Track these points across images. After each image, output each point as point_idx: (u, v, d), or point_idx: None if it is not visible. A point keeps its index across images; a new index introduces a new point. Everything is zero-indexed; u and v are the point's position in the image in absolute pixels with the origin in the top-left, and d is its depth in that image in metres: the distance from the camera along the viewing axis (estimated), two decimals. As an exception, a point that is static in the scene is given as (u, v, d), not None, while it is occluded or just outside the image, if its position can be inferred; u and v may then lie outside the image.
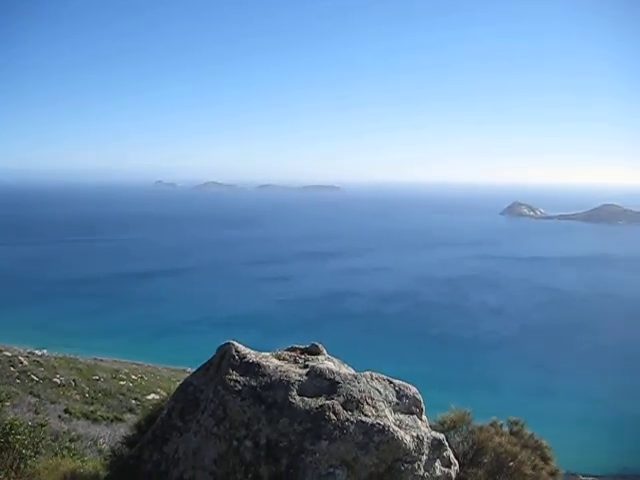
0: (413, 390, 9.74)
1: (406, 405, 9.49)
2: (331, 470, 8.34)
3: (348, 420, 8.63)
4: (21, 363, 43.53)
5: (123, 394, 42.92)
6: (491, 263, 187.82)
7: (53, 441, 19.27)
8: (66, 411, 31.42)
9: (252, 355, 9.92)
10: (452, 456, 9.60)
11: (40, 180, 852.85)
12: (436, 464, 9.22)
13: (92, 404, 37.62)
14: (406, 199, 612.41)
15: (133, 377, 51.74)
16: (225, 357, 9.93)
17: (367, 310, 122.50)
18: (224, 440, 9.04)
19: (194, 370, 10.82)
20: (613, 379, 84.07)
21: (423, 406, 9.73)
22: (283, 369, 9.55)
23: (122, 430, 20.88)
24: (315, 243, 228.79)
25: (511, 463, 12.58)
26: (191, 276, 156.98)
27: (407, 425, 9.11)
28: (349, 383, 9.20)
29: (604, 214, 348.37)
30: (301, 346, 10.85)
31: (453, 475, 9.47)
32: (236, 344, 10.16)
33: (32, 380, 39.76)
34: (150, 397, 41.58)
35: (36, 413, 25.60)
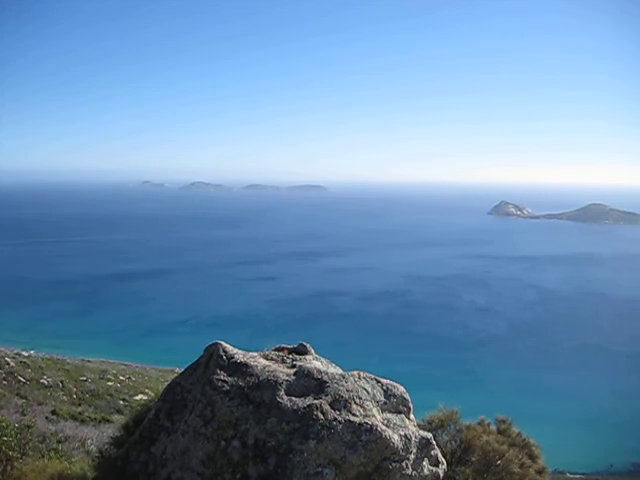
0: (401, 389, 9.76)
1: (394, 404, 9.51)
2: (319, 469, 8.34)
3: (336, 420, 8.63)
4: (8, 364, 43.20)
5: (111, 395, 42.69)
6: (479, 262, 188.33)
7: (40, 443, 19.12)
8: (53, 412, 31.22)
9: (240, 355, 9.91)
10: (440, 455, 9.63)
11: (25, 181, 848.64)
12: (424, 463, 9.25)
13: (80, 405, 37.40)
14: (393, 199, 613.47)
15: (121, 378, 51.48)
16: (213, 357, 9.92)
17: (354, 310, 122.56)
18: (212, 440, 9.02)
19: (182, 370, 10.79)
20: (600, 377, 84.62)
21: (411, 405, 9.75)
22: (271, 369, 9.55)
23: (110, 431, 20.76)
24: (302, 243, 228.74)
25: (499, 461, 12.63)
26: (179, 276, 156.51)
27: (395, 424, 9.13)
28: (337, 383, 9.21)
29: (591, 213, 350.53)
30: (289, 346, 10.85)
31: (441, 474, 9.50)
32: (224, 344, 10.14)
33: (19, 381, 39.49)
34: (138, 398, 41.40)
35: (23, 415, 25.37)
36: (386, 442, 8.63)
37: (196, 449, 9.15)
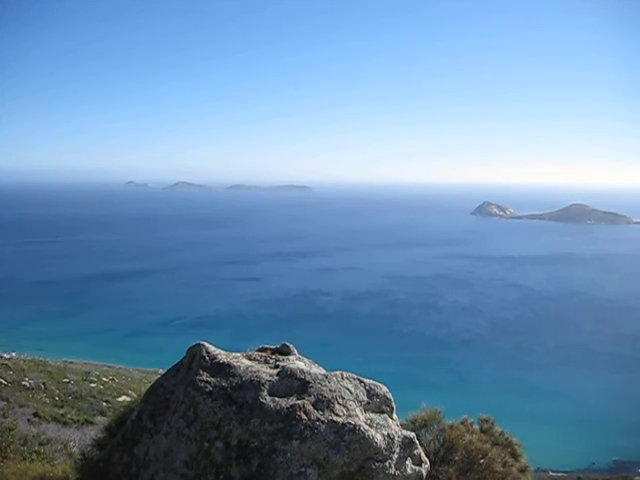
0: (384, 389, 9.79)
1: (377, 404, 9.54)
2: (302, 470, 8.35)
3: (319, 420, 8.64)
4: (-11, 366, 42.87)
5: (94, 396, 42.39)
6: (462, 262, 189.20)
7: (22, 445, 19.01)
8: (35, 414, 30.95)
9: (223, 356, 9.89)
10: (423, 454, 9.66)
11: (7, 181, 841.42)
12: (407, 462, 9.27)
13: (62, 407, 37.10)
14: (377, 199, 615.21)
15: (104, 379, 51.20)
16: (195, 358, 9.89)
17: (338, 310, 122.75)
18: (195, 441, 9.00)
19: (165, 371, 10.76)
20: (581, 376, 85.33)
21: (394, 405, 9.78)
22: (254, 369, 9.54)
23: (93, 433, 20.65)
24: (286, 243, 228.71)
25: (482, 460, 12.68)
26: (162, 277, 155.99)
27: (378, 424, 9.15)
28: (320, 383, 9.21)
29: (573, 214, 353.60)
30: (272, 346, 10.84)
31: (424, 473, 9.53)
32: (206, 345, 10.12)
33: (0, 384, 39.17)
34: (121, 399, 41.19)
35: (4, 417, 25.22)
36: (369, 442, 8.65)
37: (179, 450, 9.12)
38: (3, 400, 33.39)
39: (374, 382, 9.85)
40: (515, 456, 13.52)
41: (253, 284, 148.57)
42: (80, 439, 23.08)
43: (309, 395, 8.98)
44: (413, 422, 13.17)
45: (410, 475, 9.24)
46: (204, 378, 9.41)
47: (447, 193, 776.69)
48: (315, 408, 8.79)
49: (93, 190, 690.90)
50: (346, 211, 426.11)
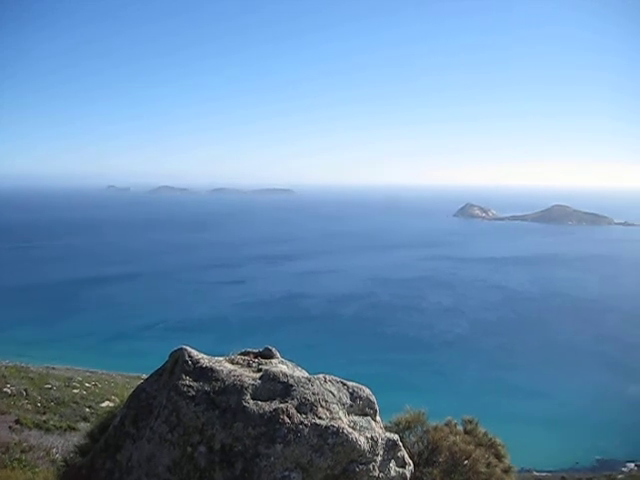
0: (367, 392, 9.79)
1: (360, 407, 9.54)
2: (286, 473, 8.34)
3: (302, 423, 8.63)
4: (-31, 373, 42.45)
5: (76, 402, 42.09)
6: (445, 264, 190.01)
7: (3, 453, 18.86)
8: (17, 421, 30.69)
9: (205, 360, 9.86)
10: (407, 456, 9.67)
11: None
12: (391, 464, 9.29)
13: (44, 413, 36.83)
14: (360, 202, 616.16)
15: (87, 385, 50.84)
16: (178, 362, 9.85)
17: (321, 312, 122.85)
18: (178, 446, 8.96)
19: (147, 376, 10.71)
20: (564, 375, 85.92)
21: (377, 407, 9.79)
22: (237, 373, 9.51)
23: (76, 439, 20.53)
24: (269, 246, 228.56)
25: (466, 461, 12.76)
26: (144, 281, 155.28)
27: (361, 427, 9.15)
28: (303, 386, 9.20)
29: (554, 214, 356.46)
30: (254, 350, 10.82)
31: (408, 475, 9.55)
32: (189, 349, 10.08)
33: (-19, 391, 38.81)
34: (104, 405, 40.92)
35: (-15, 424, 25.01)
36: (352, 445, 8.65)
37: (162, 455, 9.07)
38: (-16, 407, 33.09)
39: (357, 385, 9.86)
40: (499, 457, 13.61)
41: (237, 287, 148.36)
42: (63, 446, 22.93)
43: (292, 398, 8.96)
44: (397, 424, 13.22)
45: (394, 477, 9.25)
46: (187, 382, 9.37)
47: (429, 195, 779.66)
48: (298, 411, 8.78)
49: (73, 194, 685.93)
50: (329, 214, 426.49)
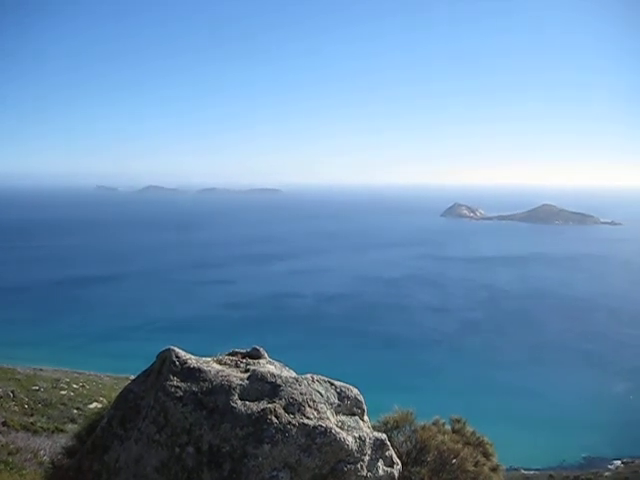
0: (355, 391, 9.81)
1: (348, 406, 9.55)
2: (274, 474, 8.34)
3: (290, 423, 8.64)
4: (-45, 375, 42.11)
5: (64, 404, 41.82)
6: (433, 263, 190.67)
7: (-10, 455, 18.71)
8: (4, 424, 30.46)
9: (193, 360, 9.84)
10: (395, 456, 9.70)
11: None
12: (379, 464, 9.30)
13: (32, 415, 36.57)
14: (347, 201, 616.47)
15: (74, 386, 50.53)
16: (165, 363, 9.83)
17: (310, 312, 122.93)
18: (166, 447, 8.94)
19: (135, 377, 10.69)
20: (552, 374, 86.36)
21: (365, 407, 9.80)
22: (224, 374, 9.50)
23: (63, 441, 20.42)
24: (257, 246, 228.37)
25: (454, 460, 12.79)
26: (132, 281, 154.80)
27: (349, 426, 9.17)
28: (290, 386, 9.21)
29: (542, 214, 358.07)
30: (242, 350, 10.81)
31: (396, 474, 9.57)
32: (176, 350, 10.06)
33: (-33, 393, 38.52)
34: (92, 406, 40.68)
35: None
36: (340, 444, 8.66)
37: (150, 456, 9.05)
38: (-30, 410, 32.87)
39: (345, 384, 9.87)
40: (487, 455, 13.66)
41: (225, 287, 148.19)
42: (50, 447, 22.78)
43: (280, 399, 8.97)
44: (385, 424, 13.24)
45: (382, 477, 9.27)
46: (174, 383, 9.35)
47: (416, 195, 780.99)
48: (286, 411, 8.79)
49: (61, 194, 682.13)
50: (317, 214, 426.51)
